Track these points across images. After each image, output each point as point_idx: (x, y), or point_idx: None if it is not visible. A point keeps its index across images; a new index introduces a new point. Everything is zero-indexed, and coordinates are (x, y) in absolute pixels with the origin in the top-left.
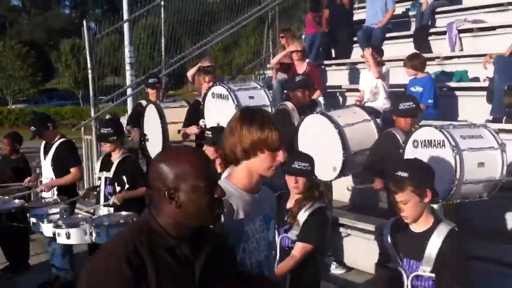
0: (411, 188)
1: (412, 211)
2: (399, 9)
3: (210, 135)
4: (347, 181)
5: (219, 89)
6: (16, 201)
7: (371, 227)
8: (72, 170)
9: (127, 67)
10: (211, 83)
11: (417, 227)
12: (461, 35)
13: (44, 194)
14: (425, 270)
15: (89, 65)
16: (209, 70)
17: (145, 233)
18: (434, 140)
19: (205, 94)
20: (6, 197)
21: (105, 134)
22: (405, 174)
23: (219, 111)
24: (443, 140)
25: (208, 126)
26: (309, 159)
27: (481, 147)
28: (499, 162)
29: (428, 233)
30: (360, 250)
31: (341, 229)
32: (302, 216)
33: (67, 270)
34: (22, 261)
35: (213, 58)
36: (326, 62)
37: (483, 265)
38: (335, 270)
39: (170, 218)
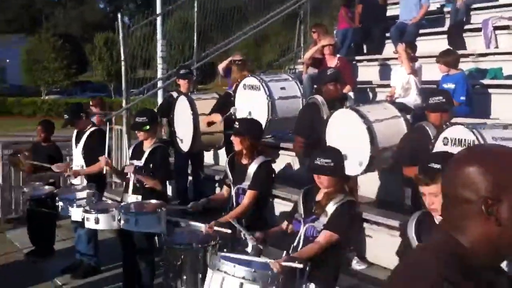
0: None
1: None
2: (434, 5)
3: (237, 126)
4: (373, 176)
5: (251, 80)
6: (46, 187)
7: (395, 223)
8: (100, 158)
9: (159, 60)
10: (244, 77)
11: None
12: (497, 32)
13: (73, 181)
14: None
15: (122, 57)
16: (244, 62)
17: (456, 266)
18: (465, 140)
19: (237, 86)
20: (37, 183)
21: (139, 123)
22: (438, 166)
23: (250, 101)
24: (473, 141)
25: (238, 117)
26: (333, 155)
27: None
28: None
29: None
30: (383, 246)
31: (365, 224)
32: (331, 208)
33: (91, 256)
34: (47, 246)
35: (243, 53)
36: (357, 57)
37: None
38: (356, 265)
39: (483, 240)
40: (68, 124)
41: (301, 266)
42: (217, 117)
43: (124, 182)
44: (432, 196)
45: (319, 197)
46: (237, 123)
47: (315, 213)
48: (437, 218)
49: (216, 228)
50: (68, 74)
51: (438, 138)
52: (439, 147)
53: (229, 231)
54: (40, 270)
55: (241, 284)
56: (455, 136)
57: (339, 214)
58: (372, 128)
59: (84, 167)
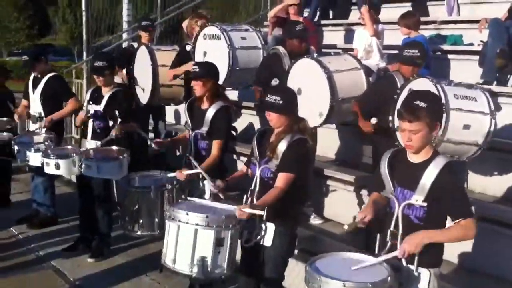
0: (426, 119)
1: (420, 141)
2: None
3: (197, 69)
4: (333, 135)
5: (211, 29)
6: (4, 133)
7: (352, 179)
8: (70, 101)
9: (124, 25)
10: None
11: (416, 158)
12: (460, 1)
13: (31, 127)
14: (418, 199)
15: (83, 10)
16: (203, 14)
17: None
18: None
19: (196, 36)
20: None
21: (99, 67)
22: (423, 105)
23: (210, 51)
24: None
25: None
26: (283, 94)
27: (471, 110)
28: (485, 128)
29: (425, 164)
30: (340, 202)
31: (323, 181)
32: (282, 147)
33: (48, 206)
34: (3, 196)
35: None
36: (323, 22)
37: (483, 225)
38: (313, 220)
39: None
40: (27, 66)
41: (263, 213)
42: (183, 69)
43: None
44: (412, 134)
45: (272, 138)
46: (195, 66)
47: (268, 154)
48: (410, 155)
49: (186, 172)
50: (30, 35)
51: (404, 89)
52: (403, 97)
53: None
54: None
55: (196, 230)
56: (419, 88)
57: (290, 153)
58: (332, 77)
59: (42, 114)
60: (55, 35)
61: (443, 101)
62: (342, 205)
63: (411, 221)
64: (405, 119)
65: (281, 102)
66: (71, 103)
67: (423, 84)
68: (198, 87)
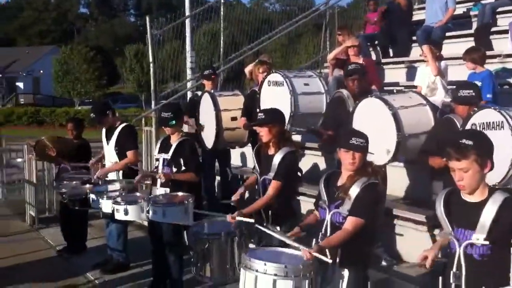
0: (474, 156)
1: (471, 180)
2: (460, 9)
3: (263, 116)
4: (402, 173)
5: (275, 76)
6: (86, 185)
7: (423, 218)
8: (128, 153)
9: (188, 71)
10: (265, 74)
11: (472, 198)
12: None
13: (110, 177)
14: (479, 238)
15: (150, 60)
16: (265, 61)
17: None
18: (493, 122)
19: (261, 83)
20: (73, 182)
21: (165, 118)
22: (470, 142)
23: (274, 97)
24: (502, 122)
25: None
26: (364, 136)
27: None
28: None
29: (483, 203)
30: (412, 242)
31: (394, 221)
32: (354, 191)
33: (120, 251)
34: (79, 243)
35: (270, 56)
36: (384, 60)
37: None
38: (385, 261)
39: None
40: (95, 122)
41: (330, 261)
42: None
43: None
44: (462, 172)
45: (341, 181)
46: (261, 114)
47: (339, 197)
48: (464, 195)
49: (238, 218)
50: (100, 85)
51: (466, 125)
52: None
53: (251, 220)
54: (72, 265)
55: (274, 281)
56: (482, 120)
57: (363, 197)
58: (398, 114)
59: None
60: (123, 84)
61: (510, 127)
62: (414, 245)
63: (474, 259)
64: (453, 158)
65: (365, 144)
66: (127, 157)
67: (485, 114)
68: (264, 133)
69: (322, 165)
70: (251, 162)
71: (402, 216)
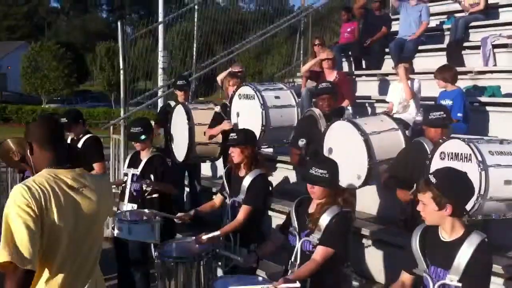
0: (431, 194)
1: (429, 216)
2: (433, 22)
3: (235, 137)
4: (372, 192)
5: (245, 89)
6: None
7: (393, 239)
8: (95, 165)
9: (160, 71)
10: (235, 87)
11: (447, 236)
12: (496, 50)
13: None
14: (453, 279)
15: (121, 66)
16: (235, 74)
17: None
18: (461, 154)
19: (232, 96)
20: None
21: (135, 133)
22: (433, 180)
23: (245, 111)
24: (470, 154)
25: (235, 127)
26: (329, 166)
27: (509, 164)
28: None
29: (458, 242)
30: (381, 263)
31: (363, 240)
32: (324, 220)
33: None
34: None
35: (244, 66)
36: (356, 72)
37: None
38: (354, 281)
39: None
40: (65, 128)
41: (298, 285)
42: (219, 129)
43: (119, 191)
44: (421, 204)
45: (311, 208)
46: (233, 134)
47: (309, 226)
48: (441, 232)
49: (205, 237)
50: (69, 83)
51: (435, 153)
52: (436, 162)
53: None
54: None
55: None
56: (451, 151)
57: (334, 228)
58: (369, 140)
59: None
60: (92, 82)
61: (479, 159)
62: (384, 265)
63: None
64: (418, 188)
65: (327, 175)
66: (96, 166)
67: (454, 145)
68: (235, 154)
69: (293, 179)
70: (221, 172)
71: (372, 236)
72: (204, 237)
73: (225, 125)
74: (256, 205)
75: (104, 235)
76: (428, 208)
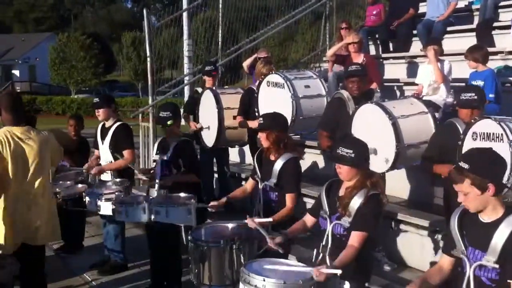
0: (469, 180)
1: (473, 203)
2: (462, 2)
3: (262, 121)
4: (402, 175)
5: (274, 77)
6: (79, 185)
7: (425, 223)
8: (125, 152)
9: (185, 60)
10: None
11: (486, 217)
12: None
13: (103, 177)
14: (489, 260)
15: (148, 54)
16: (269, 60)
17: None
18: (493, 134)
19: (260, 82)
20: (68, 182)
21: (163, 117)
22: (466, 166)
23: (274, 99)
24: (501, 134)
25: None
26: (356, 146)
27: None
28: None
29: (496, 224)
30: (413, 247)
31: (394, 224)
32: (355, 204)
33: (118, 252)
34: (76, 242)
35: (269, 50)
36: (384, 55)
37: None
38: (385, 265)
39: None
40: (96, 107)
41: (340, 271)
42: (254, 124)
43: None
44: (462, 194)
45: (341, 192)
46: (261, 118)
47: (339, 211)
48: (481, 213)
49: (258, 220)
50: (96, 73)
51: (467, 134)
52: (468, 142)
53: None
54: (69, 265)
55: None
56: (483, 130)
57: (365, 211)
58: (398, 124)
59: (113, 162)
60: (119, 72)
61: (511, 138)
62: (416, 249)
63: (483, 282)
64: (453, 181)
65: (353, 155)
66: (126, 154)
67: (486, 124)
68: (262, 139)
69: (321, 163)
70: (249, 158)
71: (403, 220)
72: (257, 220)
73: (254, 124)
74: (298, 190)
75: (142, 220)
76: (470, 195)
